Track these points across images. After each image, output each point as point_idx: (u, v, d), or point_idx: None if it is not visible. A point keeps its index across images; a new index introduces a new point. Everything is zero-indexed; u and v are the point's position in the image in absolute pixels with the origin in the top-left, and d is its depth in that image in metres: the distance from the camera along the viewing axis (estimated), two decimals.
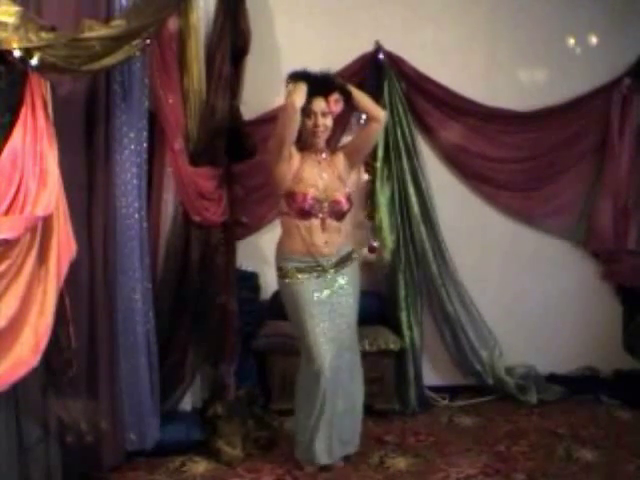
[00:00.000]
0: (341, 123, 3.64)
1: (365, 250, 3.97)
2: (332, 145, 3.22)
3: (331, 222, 3.00)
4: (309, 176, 2.99)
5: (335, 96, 2.97)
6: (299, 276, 2.99)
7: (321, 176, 3.01)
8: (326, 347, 2.94)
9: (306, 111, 2.94)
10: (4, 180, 2.24)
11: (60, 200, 2.40)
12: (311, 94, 2.92)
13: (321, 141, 3.02)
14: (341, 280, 3.04)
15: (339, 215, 3.03)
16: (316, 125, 2.96)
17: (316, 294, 2.98)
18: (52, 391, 2.60)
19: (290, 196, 2.98)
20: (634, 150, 4.07)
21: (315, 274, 2.99)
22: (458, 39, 4.01)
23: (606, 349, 4.17)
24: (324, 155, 3.05)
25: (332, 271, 3.02)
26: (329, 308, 2.99)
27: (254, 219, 3.85)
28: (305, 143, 3.02)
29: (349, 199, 3.06)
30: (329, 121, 2.99)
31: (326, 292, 3.00)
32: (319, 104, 2.95)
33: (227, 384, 3.41)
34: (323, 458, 3.02)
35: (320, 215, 2.99)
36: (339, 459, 3.09)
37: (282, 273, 3.04)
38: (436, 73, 3.94)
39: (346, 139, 3.65)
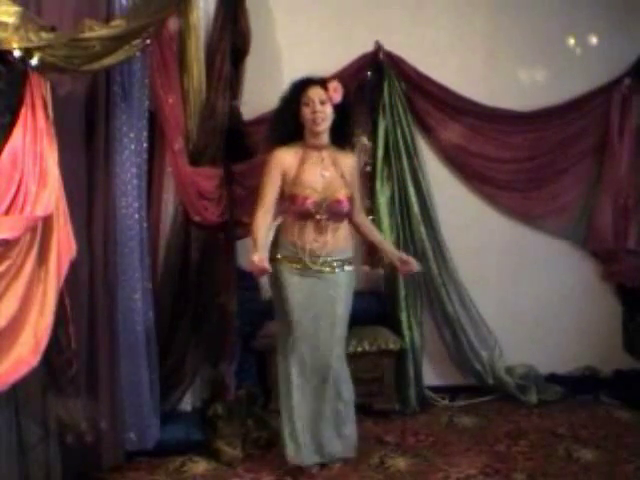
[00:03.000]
0: None
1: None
2: (346, 140, 3.13)
3: (328, 223, 2.95)
4: (309, 177, 2.95)
5: (334, 83, 2.94)
6: (287, 265, 2.96)
7: (322, 175, 2.97)
8: (306, 342, 2.91)
9: (304, 100, 2.93)
10: (4, 180, 2.24)
11: (60, 200, 2.40)
12: (309, 83, 2.93)
13: (322, 131, 2.96)
14: (330, 284, 2.97)
15: (338, 216, 2.99)
16: (314, 111, 2.90)
17: (301, 288, 2.94)
18: (52, 391, 2.60)
19: (290, 198, 2.96)
20: (634, 150, 4.06)
21: (301, 267, 2.95)
22: (458, 39, 4.01)
23: (606, 349, 4.17)
24: (327, 152, 3.01)
25: (319, 271, 2.95)
26: (313, 308, 2.94)
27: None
28: (307, 138, 2.98)
29: (350, 199, 3.02)
30: (328, 109, 2.93)
31: (311, 290, 2.95)
32: (316, 91, 2.92)
33: (227, 384, 3.41)
34: (308, 459, 2.99)
35: (318, 216, 2.94)
36: (334, 460, 3.05)
37: (273, 257, 2.98)
38: (436, 73, 3.93)
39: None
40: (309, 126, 2.95)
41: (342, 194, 2.98)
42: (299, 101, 2.94)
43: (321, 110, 2.91)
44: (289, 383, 2.95)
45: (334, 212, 2.97)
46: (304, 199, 2.93)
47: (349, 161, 3.08)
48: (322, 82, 2.96)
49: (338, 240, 3.00)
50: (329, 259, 2.97)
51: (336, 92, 2.94)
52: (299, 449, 2.98)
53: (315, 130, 2.95)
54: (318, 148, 3.00)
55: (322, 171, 2.98)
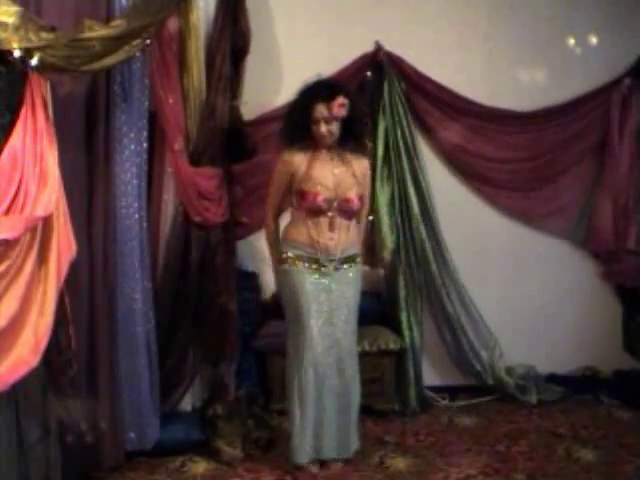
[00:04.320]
0: None
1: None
2: (358, 142, 3.09)
3: (340, 221, 2.99)
4: (319, 174, 2.96)
5: (339, 100, 2.92)
6: (299, 265, 2.98)
7: (332, 172, 2.98)
8: (319, 342, 2.92)
9: (311, 118, 2.93)
10: (4, 180, 2.24)
11: (60, 200, 2.40)
12: (314, 100, 2.92)
13: (330, 143, 2.98)
14: (343, 280, 3.01)
15: (349, 214, 3.01)
16: (319, 132, 2.93)
17: (314, 287, 2.96)
18: (52, 391, 2.60)
19: (300, 194, 2.97)
20: (634, 150, 4.06)
21: (315, 267, 2.98)
22: (458, 39, 4.01)
23: (606, 349, 4.17)
24: (337, 151, 3.01)
25: (333, 269, 2.99)
26: (327, 306, 2.96)
27: (254, 219, 3.84)
28: (317, 139, 2.98)
29: (361, 198, 3.05)
30: (334, 127, 2.94)
31: (325, 289, 2.97)
32: (321, 111, 2.91)
33: (227, 384, 3.42)
34: (308, 456, 2.98)
35: (329, 213, 2.97)
36: (331, 460, 3.04)
37: (283, 259, 3.02)
38: (436, 73, 3.94)
39: None
40: (317, 139, 2.97)
41: (352, 193, 3.00)
42: (307, 116, 2.93)
43: (327, 129, 2.93)
44: (302, 382, 2.94)
45: (344, 210, 2.99)
46: (315, 195, 2.94)
47: (362, 164, 3.09)
48: (329, 95, 2.92)
49: (349, 236, 3.04)
50: (342, 256, 3.01)
51: (340, 109, 2.91)
52: (305, 451, 2.97)
53: (323, 143, 2.98)
54: (328, 148, 3.01)
55: (332, 169, 3.00)
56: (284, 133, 3.05)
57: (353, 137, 3.04)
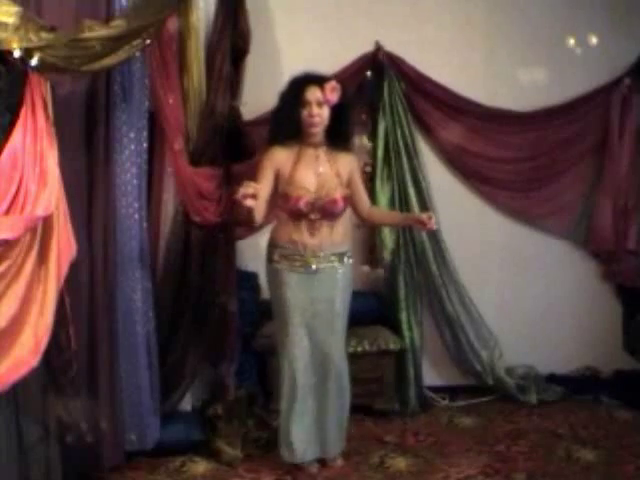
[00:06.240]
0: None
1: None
2: (344, 140, 3.11)
3: (323, 222, 2.97)
4: (303, 176, 2.95)
5: (332, 84, 2.92)
6: (286, 264, 2.97)
7: (317, 172, 2.97)
8: (303, 339, 2.94)
9: (301, 101, 2.92)
10: (4, 180, 2.24)
11: (60, 200, 2.40)
12: (307, 82, 2.92)
13: (318, 132, 2.97)
14: (329, 279, 2.99)
15: (332, 215, 2.99)
16: (311, 115, 2.91)
17: (300, 287, 2.95)
18: (52, 391, 2.60)
19: (283, 197, 2.97)
20: (634, 150, 4.06)
21: (301, 266, 2.96)
22: (458, 39, 4.01)
23: (606, 349, 4.17)
24: (323, 149, 3.01)
25: (319, 268, 2.96)
26: (314, 308, 2.95)
27: None
28: (304, 136, 2.98)
29: (345, 199, 3.02)
30: (325, 111, 2.93)
31: (311, 289, 2.96)
32: (313, 93, 2.91)
33: (227, 384, 3.41)
34: (298, 456, 3.01)
35: (312, 216, 2.95)
36: (314, 461, 3.06)
37: (270, 257, 3.03)
38: (436, 73, 3.94)
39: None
40: (306, 127, 2.96)
41: (338, 194, 2.98)
42: (298, 100, 2.94)
43: (318, 113, 2.91)
44: (291, 382, 2.96)
45: (328, 212, 2.97)
46: (297, 199, 2.93)
47: (347, 159, 3.08)
48: (320, 81, 2.94)
49: (334, 236, 3.01)
50: (326, 255, 2.98)
51: (333, 93, 2.92)
52: (291, 449, 3.00)
53: (311, 132, 2.97)
54: (314, 146, 3.00)
55: (316, 169, 2.98)
56: (273, 126, 3.05)
57: (340, 135, 3.03)
